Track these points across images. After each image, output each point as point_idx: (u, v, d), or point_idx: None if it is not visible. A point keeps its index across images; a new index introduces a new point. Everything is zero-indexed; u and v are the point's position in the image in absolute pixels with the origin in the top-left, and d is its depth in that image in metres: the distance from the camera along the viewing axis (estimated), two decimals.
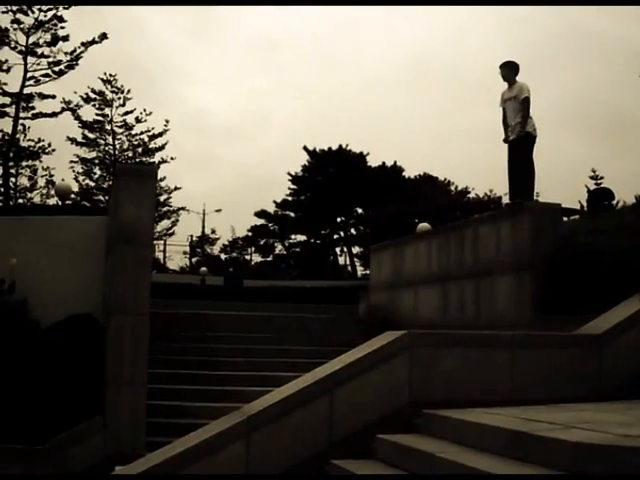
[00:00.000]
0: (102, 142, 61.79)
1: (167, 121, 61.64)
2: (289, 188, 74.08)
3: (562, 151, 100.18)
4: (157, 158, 61.59)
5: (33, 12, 47.53)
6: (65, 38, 48.92)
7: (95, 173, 62.06)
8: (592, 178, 16.12)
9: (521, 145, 12.97)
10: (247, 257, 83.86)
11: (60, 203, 20.88)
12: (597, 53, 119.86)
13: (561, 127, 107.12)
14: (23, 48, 48.06)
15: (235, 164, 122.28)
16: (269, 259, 78.88)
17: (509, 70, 13.44)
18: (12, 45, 47.61)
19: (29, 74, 48.57)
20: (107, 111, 60.86)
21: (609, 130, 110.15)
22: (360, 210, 72.68)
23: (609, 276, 10.33)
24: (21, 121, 49.48)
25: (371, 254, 19.80)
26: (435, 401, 7.94)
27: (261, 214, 75.13)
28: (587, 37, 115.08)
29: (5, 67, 47.43)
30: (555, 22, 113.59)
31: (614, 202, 14.85)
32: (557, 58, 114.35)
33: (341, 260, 77.17)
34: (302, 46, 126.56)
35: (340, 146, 71.17)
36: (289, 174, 73.53)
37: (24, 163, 52.25)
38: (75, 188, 56.02)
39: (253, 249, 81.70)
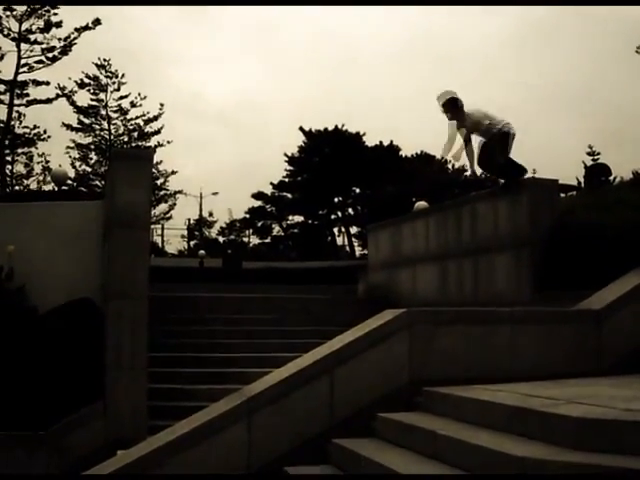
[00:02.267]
0: (97, 127, 61.63)
1: (162, 105, 61.52)
2: (286, 169, 73.99)
3: (555, 130, 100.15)
4: (153, 142, 61.45)
5: None
6: (58, 24, 48.74)
7: (91, 158, 61.89)
8: (589, 154, 16.09)
9: (495, 141, 12.52)
10: (245, 239, 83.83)
11: (56, 189, 20.79)
12: (592, 30, 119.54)
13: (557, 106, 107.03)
14: (16, 35, 47.91)
15: (231, 146, 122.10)
16: (267, 241, 78.81)
17: (450, 108, 12.73)
18: (5, 32, 47.48)
19: (23, 61, 48.47)
20: (102, 96, 60.69)
21: (604, 112, 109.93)
22: (357, 190, 72.54)
23: (608, 251, 10.32)
24: (16, 108, 49.45)
25: (368, 234, 19.78)
26: (435, 379, 7.96)
27: (258, 196, 74.99)
28: (583, 13, 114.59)
29: None
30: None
31: (611, 178, 14.85)
32: (555, 34, 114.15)
33: (339, 240, 77.17)
34: (297, 27, 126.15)
35: (336, 126, 71.04)
36: (285, 155, 73.45)
37: (20, 150, 52.24)
38: (72, 174, 55.98)
39: (251, 231, 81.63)
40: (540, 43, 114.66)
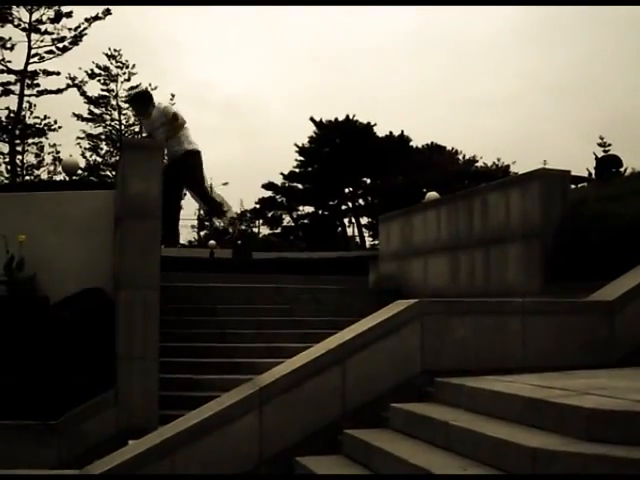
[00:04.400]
0: (108, 117, 61.84)
1: (173, 95, 61.55)
2: (296, 159, 73.98)
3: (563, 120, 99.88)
4: None
5: None
6: (68, 14, 48.94)
7: (102, 148, 62.14)
8: (600, 145, 16.04)
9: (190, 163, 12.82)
10: (255, 229, 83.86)
11: (67, 179, 20.85)
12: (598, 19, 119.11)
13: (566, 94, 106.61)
14: (26, 25, 48.14)
15: (241, 136, 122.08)
16: (277, 231, 78.87)
17: (139, 105, 12.87)
18: (15, 22, 47.63)
19: (33, 51, 48.84)
20: (112, 86, 60.86)
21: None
22: (368, 180, 72.57)
23: (620, 242, 10.29)
24: (26, 98, 49.78)
25: (380, 224, 19.76)
26: (447, 369, 7.95)
27: (268, 186, 75.05)
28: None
29: (9, 44, 47.54)
30: None
31: (622, 169, 14.82)
32: (561, 23, 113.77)
33: (349, 231, 77.21)
34: (305, 17, 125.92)
35: (347, 116, 70.98)
36: (296, 145, 73.42)
37: (30, 140, 52.44)
38: (82, 164, 56.09)
39: (261, 221, 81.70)
40: (548, 33, 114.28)
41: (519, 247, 12.51)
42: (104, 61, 59.29)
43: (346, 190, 72.76)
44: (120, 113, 61.48)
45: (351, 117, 70.97)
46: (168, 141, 12.72)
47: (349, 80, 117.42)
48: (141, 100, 12.73)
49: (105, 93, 60.45)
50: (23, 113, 49.72)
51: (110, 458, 7.30)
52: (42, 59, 48.91)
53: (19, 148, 51.82)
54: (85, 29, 49.46)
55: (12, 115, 49.03)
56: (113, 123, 61.56)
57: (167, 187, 11.45)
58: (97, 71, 59.04)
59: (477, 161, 72.19)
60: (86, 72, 57.51)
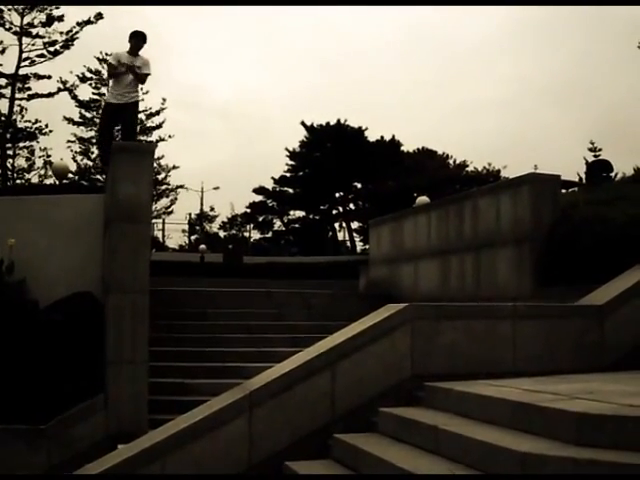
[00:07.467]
0: (99, 121, 61.57)
1: (164, 99, 61.57)
2: (287, 164, 73.95)
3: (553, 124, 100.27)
4: (154, 137, 61.38)
5: None
6: (60, 18, 48.75)
7: (93, 152, 61.74)
8: (590, 150, 16.05)
9: (131, 109, 14.53)
10: (246, 234, 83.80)
11: (58, 183, 20.75)
12: (591, 22, 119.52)
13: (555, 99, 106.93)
14: (18, 29, 47.94)
15: (233, 140, 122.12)
16: (268, 236, 78.84)
17: (138, 40, 14.48)
18: (7, 26, 47.48)
19: (24, 55, 48.53)
20: (104, 90, 60.54)
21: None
22: (359, 185, 72.59)
23: (610, 246, 10.30)
24: (17, 102, 49.46)
25: (370, 229, 19.77)
26: (437, 374, 7.94)
27: (259, 191, 75.00)
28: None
29: (0, 48, 47.33)
30: None
31: (612, 174, 14.84)
32: (553, 27, 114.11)
33: (340, 235, 77.19)
34: (297, 20, 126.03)
35: (338, 121, 70.97)
36: (287, 150, 73.40)
37: (21, 144, 52.12)
38: (73, 168, 55.92)
39: (252, 226, 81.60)
40: (538, 36, 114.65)
41: (510, 251, 12.52)
42: (95, 65, 59.02)
43: (337, 194, 72.77)
44: None
45: (342, 121, 71.00)
46: (130, 83, 14.36)
47: (340, 84, 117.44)
48: (141, 38, 14.53)
49: (96, 97, 60.14)
50: (14, 117, 49.52)
51: (100, 462, 7.29)
52: (33, 63, 48.71)
53: (10, 152, 51.58)
54: (77, 33, 49.26)
55: (3, 119, 48.86)
56: None
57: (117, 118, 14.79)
58: (88, 75, 58.76)
59: (468, 166, 72.35)
60: (77, 76, 57.24)
